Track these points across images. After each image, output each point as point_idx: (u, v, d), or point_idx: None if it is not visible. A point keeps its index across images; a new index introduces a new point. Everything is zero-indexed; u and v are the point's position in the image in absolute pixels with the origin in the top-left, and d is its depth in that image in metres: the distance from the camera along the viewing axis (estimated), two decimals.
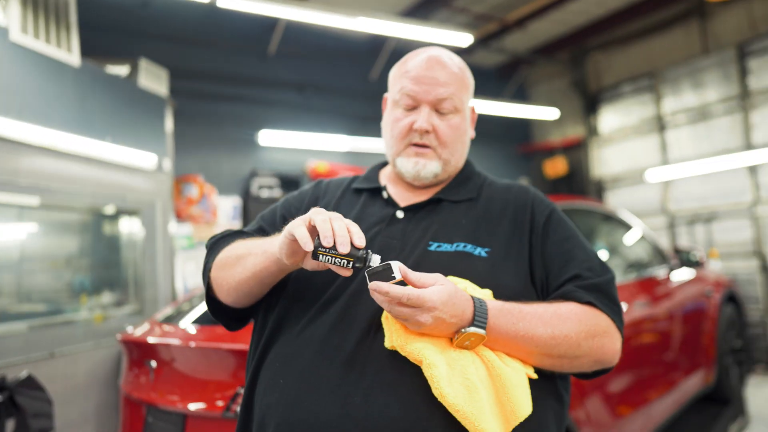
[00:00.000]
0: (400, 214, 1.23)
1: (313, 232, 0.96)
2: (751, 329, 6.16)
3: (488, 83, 8.83)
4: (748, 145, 6.66)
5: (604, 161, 8.34)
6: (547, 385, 1.09)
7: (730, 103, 6.86)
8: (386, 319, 1.01)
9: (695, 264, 4.17)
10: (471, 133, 1.35)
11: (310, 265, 1.01)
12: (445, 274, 1.04)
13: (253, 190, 6.18)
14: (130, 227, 4.34)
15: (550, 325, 1.03)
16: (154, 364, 1.86)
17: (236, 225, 5.92)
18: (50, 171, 3.53)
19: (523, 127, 9.32)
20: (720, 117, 6.97)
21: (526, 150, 9.23)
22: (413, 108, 1.24)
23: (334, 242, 0.93)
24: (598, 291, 1.13)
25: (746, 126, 6.72)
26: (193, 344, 1.73)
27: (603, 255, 3.39)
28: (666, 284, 3.60)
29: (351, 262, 0.94)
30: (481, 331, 0.97)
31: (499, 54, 8.15)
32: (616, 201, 8.11)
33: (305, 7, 4.70)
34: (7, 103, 3.25)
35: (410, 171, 1.25)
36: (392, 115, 1.27)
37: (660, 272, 3.67)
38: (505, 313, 1.01)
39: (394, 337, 0.98)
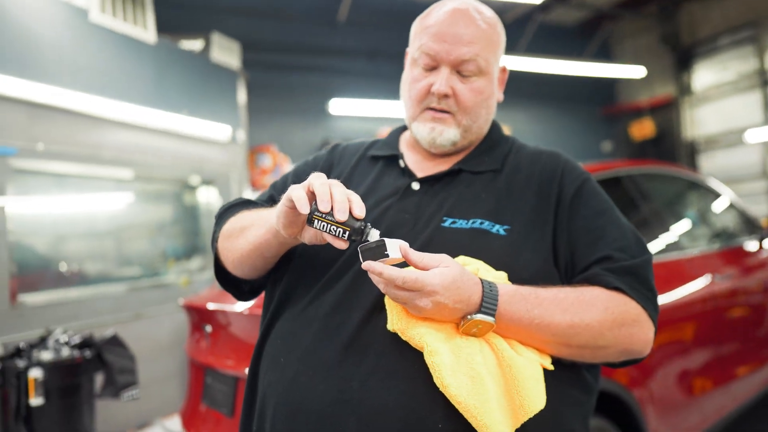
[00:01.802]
0: (415, 186, 1.12)
1: (312, 198, 0.89)
2: None
3: (568, 42, 8.37)
4: None
5: (698, 122, 7.74)
6: (569, 376, 0.98)
7: None
8: (389, 300, 0.93)
9: None
10: (499, 96, 1.20)
11: (308, 237, 0.95)
12: (459, 254, 0.96)
13: None
14: (207, 197, 4.54)
15: (570, 312, 0.92)
16: (209, 329, 1.95)
17: None
18: (132, 144, 3.74)
19: (607, 87, 8.80)
20: None
21: (611, 112, 8.73)
22: (433, 68, 1.11)
23: (332, 208, 0.86)
24: (630, 274, 1.00)
25: None
26: (246, 311, 1.79)
27: (687, 224, 3.17)
28: (758, 255, 3.32)
29: (347, 233, 0.87)
30: (489, 319, 0.88)
31: (579, 10, 7.69)
32: (710, 164, 7.53)
33: None
34: (89, 81, 3.45)
35: (425, 137, 1.13)
36: (410, 75, 1.15)
37: (751, 243, 3.38)
38: (519, 298, 0.91)
39: (395, 320, 0.91)
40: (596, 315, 0.94)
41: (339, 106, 6.54)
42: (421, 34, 1.13)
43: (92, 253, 3.83)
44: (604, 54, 8.60)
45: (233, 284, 1.19)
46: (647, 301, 0.99)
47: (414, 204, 1.09)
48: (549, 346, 0.95)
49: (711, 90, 7.54)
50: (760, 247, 3.41)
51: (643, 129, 8.08)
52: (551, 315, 0.92)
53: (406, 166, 1.17)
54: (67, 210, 3.61)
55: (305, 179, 1.05)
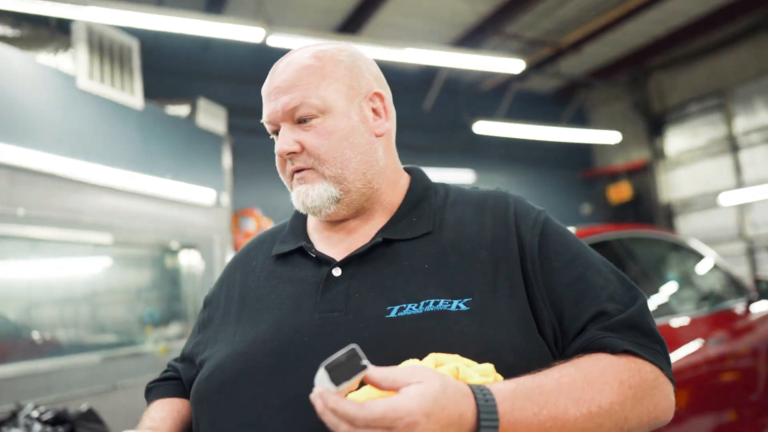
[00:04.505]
0: (337, 272, 0.91)
1: None
2: None
3: (545, 109, 8.67)
4: None
5: (673, 185, 7.96)
6: None
7: None
8: None
9: None
10: (378, 129, 0.97)
11: None
12: (419, 350, 0.76)
13: None
14: (189, 261, 4.45)
15: (584, 400, 0.75)
16: None
17: None
18: (114, 208, 3.68)
19: (584, 152, 9.06)
20: None
21: (589, 175, 8.95)
22: (276, 132, 0.97)
23: None
24: (631, 328, 0.85)
25: None
26: None
27: (674, 286, 3.18)
28: (746, 318, 3.32)
29: None
30: None
31: (554, 78, 8.01)
32: (687, 226, 7.69)
33: (354, 41, 4.77)
34: (74, 146, 3.43)
35: (299, 207, 0.96)
36: None
37: (738, 305, 3.39)
38: (521, 399, 0.72)
39: None
40: (614, 395, 0.78)
41: None
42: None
43: (66, 320, 3.68)
44: (580, 120, 8.91)
45: None
46: (658, 356, 0.86)
47: (341, 295, 0.88)
48: None
49: (684, 154, 7.81)
50: (747, 310, 3.42)
51: (620, 192, 8.27)
52: (564, 411, 0.74)
53: (318, 253, 0.96)
54: (41, 275, 3.49)
55: (208, 318, 1.02)
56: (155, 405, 0.99)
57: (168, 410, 0.98)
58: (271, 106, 0.94)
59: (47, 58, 3.59)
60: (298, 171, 0.95)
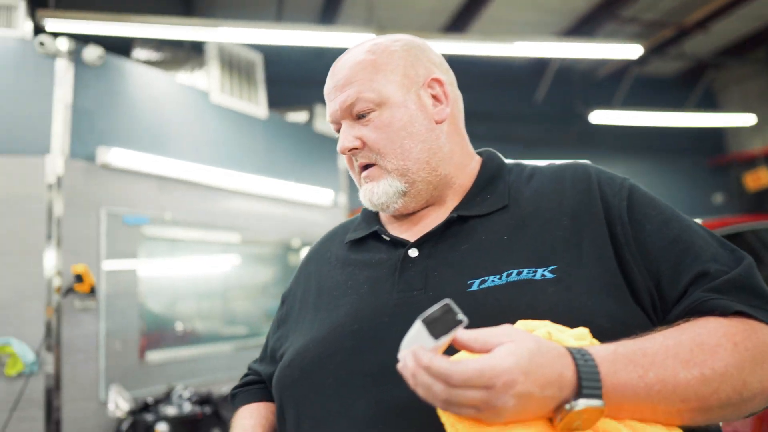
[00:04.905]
0: (413, 253, 0.89)
1: None
2: None
3: (668, 92, 8.12)
4: None
5: None
6: None
7: None
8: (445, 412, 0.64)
9: None
10: (438, 116, 0.95)
11: None
12: (505, 320, 0.70)
13: None
14: None
15: (695, 362, 0.68)
16: None
17: None
18: (243, 210, 4.02)
19: (714, 137, 8.37)
20: None
21: (720, 162, 8.26)
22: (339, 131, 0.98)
23: None
24: (741, 289, 0.76)
25: None
26: None
27: None
28: None
29: None
30: (596, 403, 0.62)
31: (677, 61, 7.49)
32: None
33: (462, 40, 4.80)
34: (209, 155, 3.80)
35: (368, 205, 0.95)
36: None
37: None
38: (623, 360, 0.66)
39: None
40: (728, 357, 0.69)
41: None
42: None
43: (202, 313, 4.09)
44: (709, 103, 8.24)
45: None
46: None
47: (420, 275, 0.85)
48: (679, 417, 0.69)
49: None
50: None
51: (758, 179, 7.55)
52: (673, 374, 0.67)
53: (392, 236, 0.94)
54: (182, 273, 3.91)
55: (287, 311, 1.03)
56: (243, 412, 1.01)
57: (257, 416, 0.99)
58: (331, 106, 0.95)
59: (185, 77, 4.01)
60: (365, 168, 0.95)
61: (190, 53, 4.16)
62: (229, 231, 3.93)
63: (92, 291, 2.91)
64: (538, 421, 0.63)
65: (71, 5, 3.88)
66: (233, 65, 4.15)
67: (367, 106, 0.91)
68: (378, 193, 0.92)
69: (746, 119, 7.20)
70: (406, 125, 0.91)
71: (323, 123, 4.93)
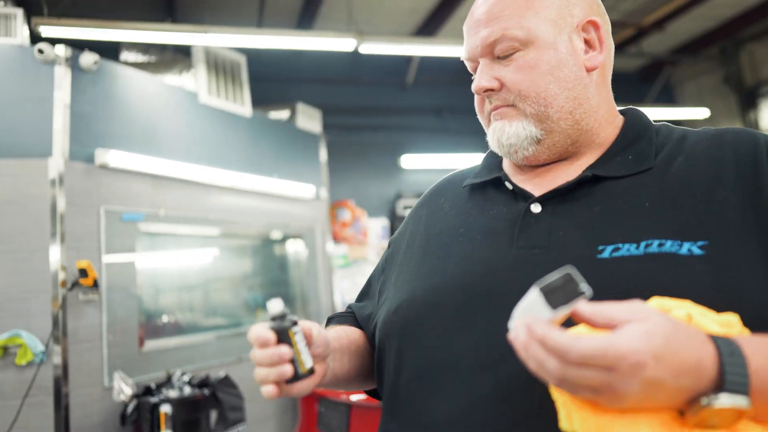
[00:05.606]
0: (536, 208, 0.80)
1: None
2: None
3: (630, 88, 8.55)
4: None
5: None
6: None
7: None
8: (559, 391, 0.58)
9: None
10: (590, 62, 0.84)
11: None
12: (639, 295, 0.60)
13: (398, 211, 6.72)
14: (295, 249, 4.98)
15: None
16: None
17: (385, 244, 6.43)
18: (230, 205, 4.24)
19: None
20: None
21: None
22: (476, 70, 0.88)
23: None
24: None
25: None
26: None
27: None
28: None
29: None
30: (740, 401, 0.53)
31: (638, 58, 7.90)
32: None
33: (435, 44, 5.08)
34: (198, 153, 4.00)
35: (494, 145, 0.87)
36: None
37: None
38: None
39: (576, 421, 0.55)
40: None
41: (410, 161, 7.00)
42: None
43: (195, 303, 4.30)
44: (667, 98, 8.70)
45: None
46: None
47: (543, 233, 0.77)
48: None
49: None
50: None
51: None
52: None
53: (515, 186, 0.86)
54: (176, 265, 4.11)
55: (394, 252, 0.99)
56: (331, 329, 0.97)
57: (342, 331, 0.96)
58: (470, 42, 0.86)
59: (173, 79, 4.19)
60: (496, 108, 0.85)
61: (175, 55, 4.33)
62: (218, 225, 4.15)
63: (95, 284, 3.10)
64: (664, 412, 0.55)
65: (64, 13, 4.00)
66: (219, 67, 4.34)
67: (513, 45, 0.82)
68: (509, 132, 0.84)
69: (701, 113, 7.66)
70: (553, 69, 0.82)
71: (304, 119, 5.15)
